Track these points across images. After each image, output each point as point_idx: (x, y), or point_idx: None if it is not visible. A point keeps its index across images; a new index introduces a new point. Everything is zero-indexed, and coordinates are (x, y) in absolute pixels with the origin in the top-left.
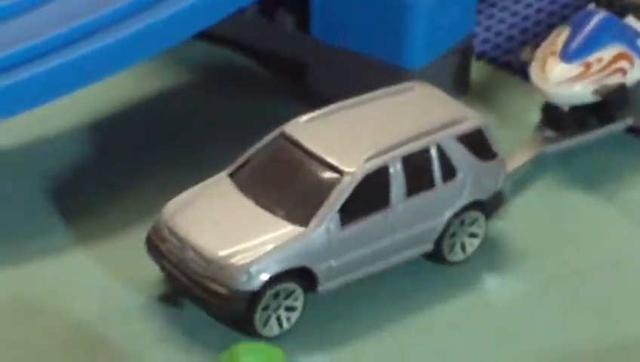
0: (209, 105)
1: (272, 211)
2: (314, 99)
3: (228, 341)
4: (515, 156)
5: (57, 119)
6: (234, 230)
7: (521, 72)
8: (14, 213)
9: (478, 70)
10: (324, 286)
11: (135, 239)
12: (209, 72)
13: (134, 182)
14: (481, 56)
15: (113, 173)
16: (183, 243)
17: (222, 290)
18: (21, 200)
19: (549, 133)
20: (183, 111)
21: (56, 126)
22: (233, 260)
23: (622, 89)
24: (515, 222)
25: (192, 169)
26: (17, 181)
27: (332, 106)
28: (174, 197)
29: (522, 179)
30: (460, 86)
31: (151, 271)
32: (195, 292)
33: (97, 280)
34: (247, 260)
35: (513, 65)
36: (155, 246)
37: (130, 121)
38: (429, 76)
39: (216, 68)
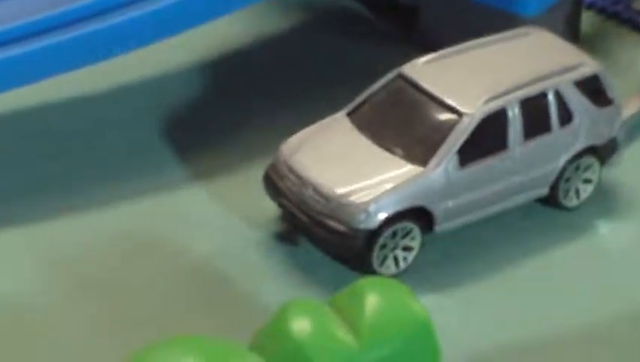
0: (321, 47)
1: (390, 150)
2: (425, 46)
3: (343, 279)
4: (627, 105)
5: (176, 55)
6: (353, 168)
7: (630, 22)
8: (133, 148)
9: (587, 20)
10: (440, 227)
11: (252, 176)
12: (320, 15)
13: (252, 120)
14: (590, 6)
15: (231, 111)
16: (302, 180)
17: (340, 228)
18: (140, 135)
19: None
20: (297, 52)
21: (175, 62)
22: (352, 198)
23: None
24: (628, 169)
25: (308, 108)
26: (136, 117)
27: (449, 49)
28: (292, 135)
29: (633, 128)
30: (570, 35)
31: (268, 208)
32: (312, 230)
33: (214, 216)
34: (367, 198)
35: (622, 16)
36: (273, 184)
37: (246, 61)
38: (541, 24)
39: (326, 11)
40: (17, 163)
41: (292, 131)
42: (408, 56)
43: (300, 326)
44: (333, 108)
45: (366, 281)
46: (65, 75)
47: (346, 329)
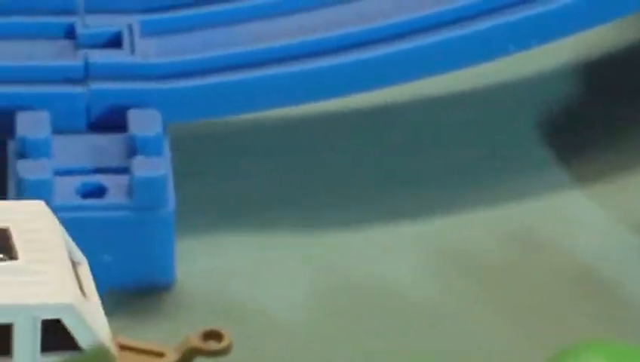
0: None
1: None
2: None
3: None
4: None
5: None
6: None
7: None
8: (513, 148)
9: None
10: None
11: (631, 181)
12: None
13: (628, 122)
14: None
15: (607, 113)
16: None
17: None
18: (519, 135)
19: None
20: None
21: (543, 65)
22: None
23: None
24: None
25: None
26: (513, 117)
27: None
28: None
29: None
30: None
31: None
32: None
33: (597, 218)
34: None
35: None
36: None
37: (618, 64)
38: None
39: None
40: (393, 155)
41: None
42: None
43: None
44: None
45: None
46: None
47: None
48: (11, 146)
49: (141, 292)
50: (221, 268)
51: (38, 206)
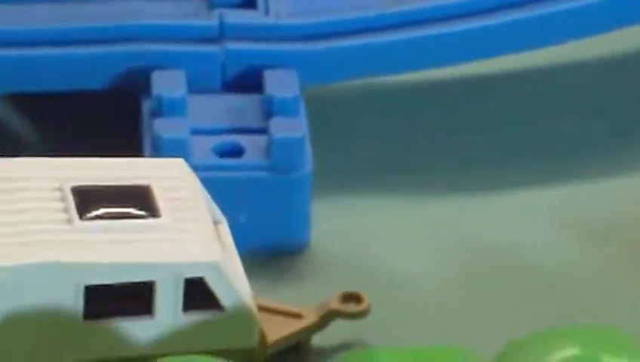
0: None
1: None
2: None
3: None
4: None
5: None
6: None
7: None
8: (625, 124)
9: None
10: None
11: None
12: None
13: None
14: None
15: None
16: None
17: None
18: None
19: None
20: None
21: None
22: None
23: None
24: None
25: None
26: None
27: None
28: None
29: None
30: None
31: None
32: None
33: None
34: None
35: None
36: None
37: None
38: None
39: None
40: (522, 121)
41: None
42: None
43: None
44: None
45: None
46: None
47: None
48: (146, 105)
49: (276, 253)
50: (356, 230)
51: (178, 164)
